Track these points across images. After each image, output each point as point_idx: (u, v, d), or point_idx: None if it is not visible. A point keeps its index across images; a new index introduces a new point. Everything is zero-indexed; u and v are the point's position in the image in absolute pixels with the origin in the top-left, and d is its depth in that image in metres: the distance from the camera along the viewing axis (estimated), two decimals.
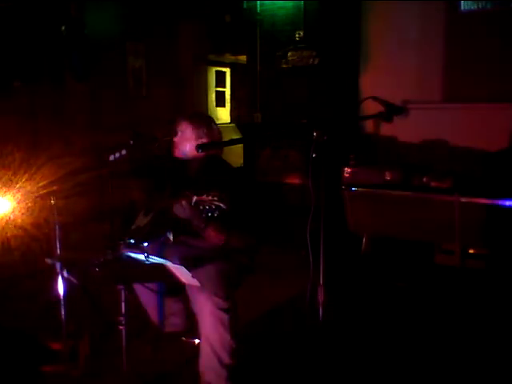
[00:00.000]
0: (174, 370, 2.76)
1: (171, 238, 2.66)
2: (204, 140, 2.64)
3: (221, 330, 2.39)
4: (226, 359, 2.42)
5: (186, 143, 2.68)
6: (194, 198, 2.26)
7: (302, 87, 5.69)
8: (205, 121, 2.76)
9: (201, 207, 2.22)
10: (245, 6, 6.05)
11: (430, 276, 4.07)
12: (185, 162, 2.74)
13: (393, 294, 3.77)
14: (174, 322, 2.78)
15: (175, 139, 2.70)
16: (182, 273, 2.24)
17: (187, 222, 2.47)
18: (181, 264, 2.22)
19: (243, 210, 2.55)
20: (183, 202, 2.34)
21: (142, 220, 2.62)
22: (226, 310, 2.40)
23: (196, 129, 2.68)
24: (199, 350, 2.46)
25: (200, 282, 2.30)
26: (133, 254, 2.27)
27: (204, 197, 2.23)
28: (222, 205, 2.20)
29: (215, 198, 2.21)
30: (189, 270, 2.28)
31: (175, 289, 2.61)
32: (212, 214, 2.21)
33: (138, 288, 2.68)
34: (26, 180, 2.26)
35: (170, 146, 2.71)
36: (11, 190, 2.19)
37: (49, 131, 4.92)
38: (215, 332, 2.39)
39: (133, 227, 2.60)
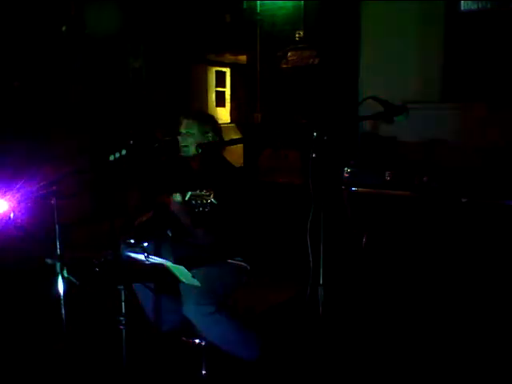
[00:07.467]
0: (174, 369, 2.76)
1: (170, 234, 2.68)
2: (210, 136, 2.69)
3: (218, 328, 2.44)
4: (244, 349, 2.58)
5: (192, 140, 2.69)
6: (189, 194, 2.30)
7: (302, 87, 5.69)
8: (209, 117, 2.82)
9: (193, 202, 2.26)
10: (245, 5, 6.05)
11: (430, 275, 4.06)
12: (187, 160, 2.76)
13: (392, 293, 3.76)
14: (170, 319, 2.79)
15: (180, 138, 2.70)
16: (182, 273, 2.24)
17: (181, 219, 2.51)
18: (175, 263, 2.24)
19: (238, 211, 2.56)
20: (174, 197, 2.39)
21: (145, 216, 2.66)
22: (214, 312, 2.43)
23: (202, 126, 2.71)
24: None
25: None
26: (133, 254, 2.27)
27: (197, 192, 2.26)
28: (214, 200, 2.23)
29: (208, 194, 2.24)
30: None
31: (172, 287, 2.62)
32: (203, 209, 2.24)
33: (137, 286, 2.69)
34: (26, 180, 2.25)
35: (171, 145, 2.71)
36: (11, 190, 2.19)
37: (49, 131, 4.92)
38: (214, 332, 2.44)
39: (136, 223, 2.64)
